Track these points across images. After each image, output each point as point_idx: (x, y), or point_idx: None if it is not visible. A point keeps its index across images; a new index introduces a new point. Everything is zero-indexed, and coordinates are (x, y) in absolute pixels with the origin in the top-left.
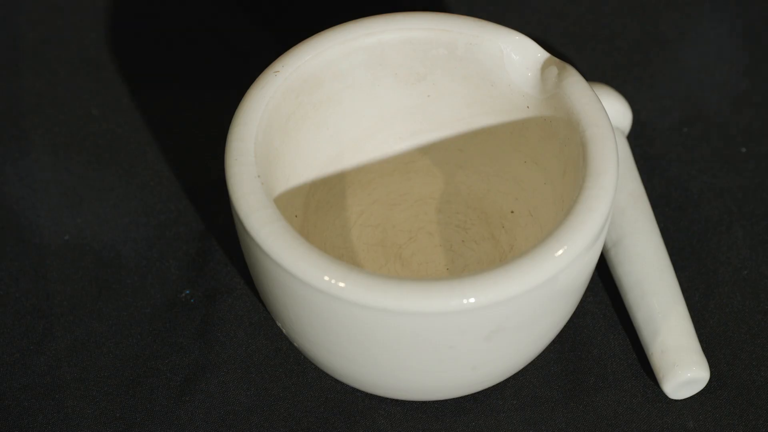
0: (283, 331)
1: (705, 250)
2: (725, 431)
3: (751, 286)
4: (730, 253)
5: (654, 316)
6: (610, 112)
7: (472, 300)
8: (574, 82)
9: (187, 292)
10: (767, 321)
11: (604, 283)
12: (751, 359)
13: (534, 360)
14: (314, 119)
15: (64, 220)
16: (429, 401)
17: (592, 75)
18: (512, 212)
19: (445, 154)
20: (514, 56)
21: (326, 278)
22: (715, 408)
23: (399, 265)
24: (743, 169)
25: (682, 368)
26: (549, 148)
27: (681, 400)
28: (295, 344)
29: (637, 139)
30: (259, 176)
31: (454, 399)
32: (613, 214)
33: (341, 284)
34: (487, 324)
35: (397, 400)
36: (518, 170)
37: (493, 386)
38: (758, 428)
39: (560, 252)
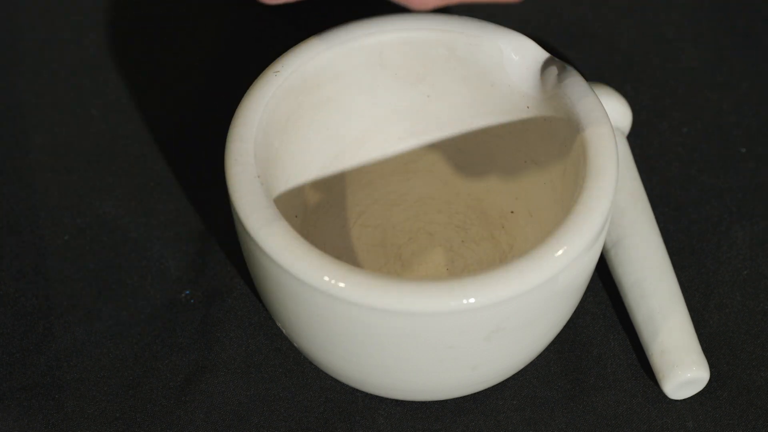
0: (283, 331)
1: (705, 250)
2: (725, 431)
3: (751, 286)
4: (730, 253)
5: (654, 316)
6: (610, 112)
7: (472, 300)
8: (574, 82)
9: (187, 292)
10: (767, 321)
11: (604, 283)
12: (751, 359)
13: (534, 360)
14: (314, 119)
15: (64, 220)
16: (429, 401)
17: (592, 75)
18: (512, 212)
19: (445, 154)
20: (514, 56)
21: (326, 278)
22: (715, 408)
23: (399, 266)
24: (743, 169)
25: (682, 368)
26: (549, 148)
27: (681, 400)
28: (295, 344)
29: (637, 139)
30: (259, 176)
31: (454, 399)
32: (613, 214)
33: (341, 284)
34: (487, 324)
35: (397, 400)
36: (518, 170)
37: (493, 386)
38: (758, 428)
39: (560, 252)
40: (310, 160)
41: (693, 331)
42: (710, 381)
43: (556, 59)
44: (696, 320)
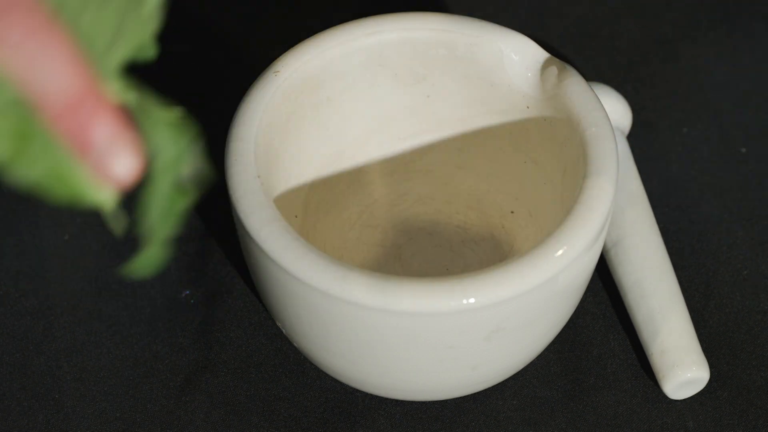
0: (283, 331)
1: (705, 250)
2: (725, 431)
3: (751, 286)
4: (730, 253)
5: (654, 316)
6: (610, 112)
7: (472, 300)
8: (574, 82)
9: (187, 292)
10: (767, 321)
11: (604, 283)
12: (751, 359)
13: (534, 360)
14: (314, 119)
15: (64, 220)
16: (429, 401)
17: (592, 75)
18: (512, 212)
19: (445, 154)
20: (514, 56)
21: (326, 278)
22: (715, 408)
23: (399, 266)
24: (743, 169)
25: (682, 369)
26: (549, 148)
27: (681, 400)
28: (295, 344)
29: (637, 139)
30: (259, 176)
31: (454, 399)
32: (613, 214)
33: (341, 284)
34: (487, 324)
35: (397, 401)
36: (518, 170)
37: (493, 386)
38: (758, 428)
39: (560, 252)
40: (310, 160)
41: (693, 331)
42: (710, 381)
43: (556, 59)
44: (696, 320)
